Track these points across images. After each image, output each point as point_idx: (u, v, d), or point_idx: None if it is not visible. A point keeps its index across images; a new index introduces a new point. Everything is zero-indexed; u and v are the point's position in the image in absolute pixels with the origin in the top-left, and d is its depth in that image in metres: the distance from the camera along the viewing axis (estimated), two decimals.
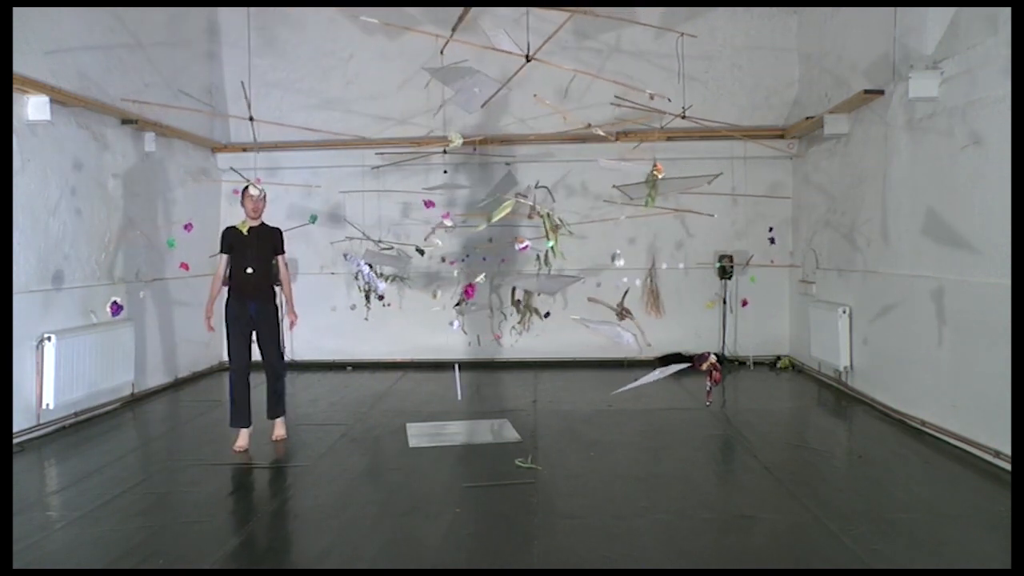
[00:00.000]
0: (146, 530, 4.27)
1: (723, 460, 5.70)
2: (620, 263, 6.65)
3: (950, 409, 5.71)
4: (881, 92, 6.72)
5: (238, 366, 5.96)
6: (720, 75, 9.39)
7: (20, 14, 5.94)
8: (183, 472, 5.36)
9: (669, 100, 7.43)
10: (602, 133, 6.66)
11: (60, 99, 6.40)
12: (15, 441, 5.85)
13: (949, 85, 5.70)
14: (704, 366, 6.48)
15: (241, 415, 5.93)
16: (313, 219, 8.88)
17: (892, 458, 5.53)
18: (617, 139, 8.39)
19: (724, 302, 9.39)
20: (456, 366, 6.47)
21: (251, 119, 7.01)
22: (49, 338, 6.23)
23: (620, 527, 4.26)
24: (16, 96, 5.99)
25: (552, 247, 5.33)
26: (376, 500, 4.74)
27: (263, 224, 6.09)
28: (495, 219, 5.54)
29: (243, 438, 5.90)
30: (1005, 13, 4.95)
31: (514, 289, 8.76)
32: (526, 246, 5.67)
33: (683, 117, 6.67)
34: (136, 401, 7.59)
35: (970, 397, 5.46)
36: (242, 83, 7.84)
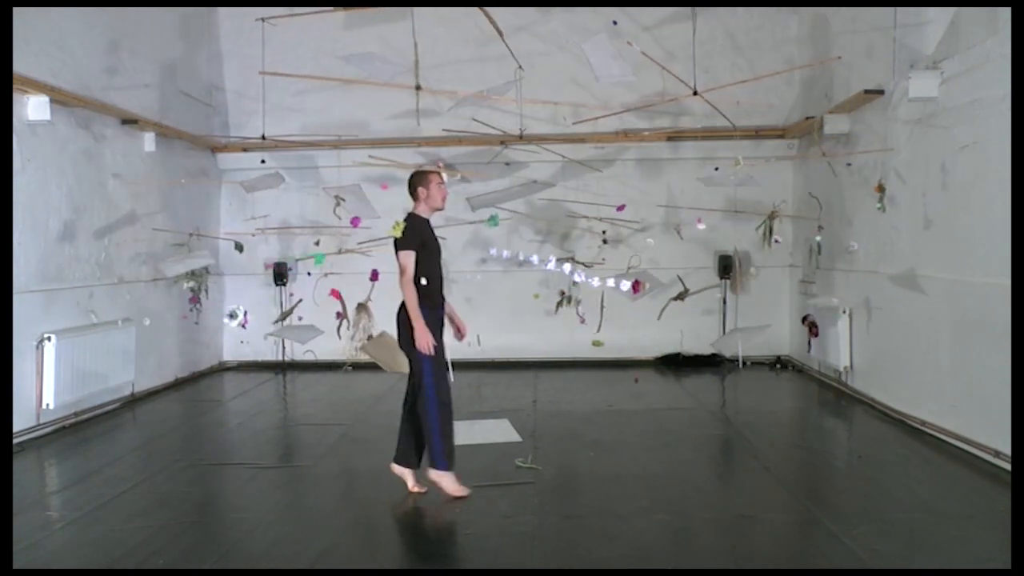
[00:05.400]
0: (146, 530, 4.27)
1: (723, 460, 5.70)
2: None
3: (950, 409, 5.70)
4: (881, 92, 6.71)
5: (450, 394, 4.82)
6: (720, 75, 9.36)
7: (20, 14, 5.93)
8: (183, 472, 5.36)
9: (771, 105, 8.60)
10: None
11: (60, 99, 6.39)
12: (15, 441, 5.85)
13: (949, 85, 5.69)
14: (807, 323, 7.47)
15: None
16: (494, 221, 8.25)
17: (892, 458, 5.53)
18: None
19: (724, 302, 9.39)
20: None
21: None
22: (49, 338, 6.23)
23: (620, 527, 4.26)
24: (16, 96, 5.98)
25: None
26: (376, 500, 4.74)
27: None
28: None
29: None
30: (1005, 13, 4.94)
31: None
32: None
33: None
34: (136, 401, 7.59)
35: (970, 397, 5.45)
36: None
